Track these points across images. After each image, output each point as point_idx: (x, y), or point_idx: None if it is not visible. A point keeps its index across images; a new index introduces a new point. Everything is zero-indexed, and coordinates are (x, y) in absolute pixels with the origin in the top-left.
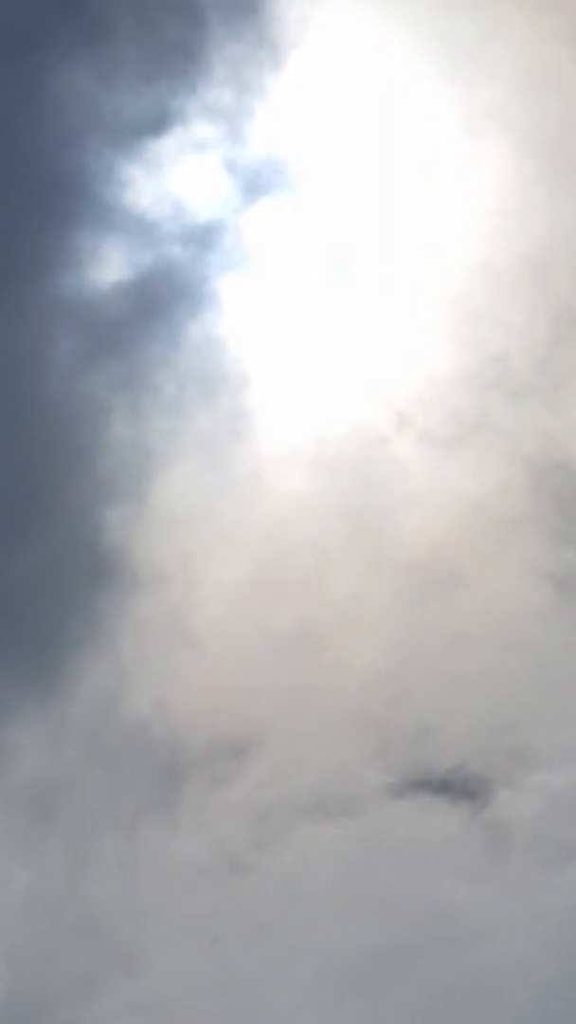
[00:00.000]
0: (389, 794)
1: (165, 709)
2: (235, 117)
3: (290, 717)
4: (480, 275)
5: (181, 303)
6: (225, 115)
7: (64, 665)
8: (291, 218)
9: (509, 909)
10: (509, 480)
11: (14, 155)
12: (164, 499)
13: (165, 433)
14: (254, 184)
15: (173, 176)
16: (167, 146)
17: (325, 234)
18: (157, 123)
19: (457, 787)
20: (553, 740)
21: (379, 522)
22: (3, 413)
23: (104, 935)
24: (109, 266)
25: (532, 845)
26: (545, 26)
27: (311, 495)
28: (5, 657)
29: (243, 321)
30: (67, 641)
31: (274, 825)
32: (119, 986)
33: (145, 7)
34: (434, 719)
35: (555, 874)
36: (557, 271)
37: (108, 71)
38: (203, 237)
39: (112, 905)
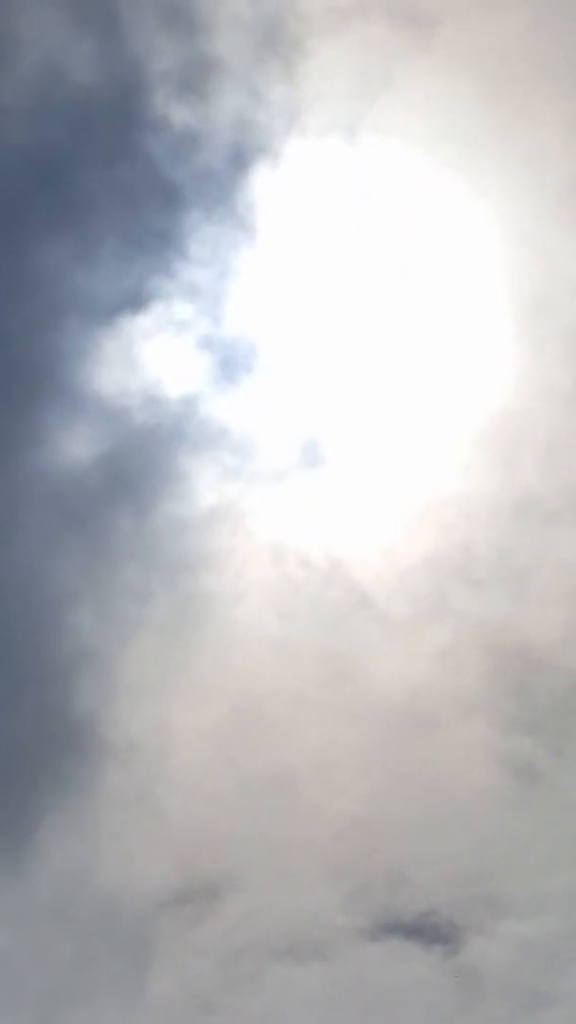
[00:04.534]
0: (361, 938)
1: (135, 874)
2: (211, 296)
3: (264, 861)
4: (445, 461)
5: (151, 483)
6: (201, 294)
7: (33, 837)
8: (264, 397)
9: None
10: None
11: None
12: (133, 663)
13: (135, 607)
14: (229, 362)
15: (146, 354)
16: (142, 325)
17: (296, 413)
18: (134, 302)
19: (429, 932)
20: (524, 888)
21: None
22: None
23: None
24: (79, 446)
25: (503, 991)
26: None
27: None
28: None
29: (212, 498)
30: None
31: (246, 967)
32: None
33: (124, 189)
34: (406, 865)
35: (526, 1021)
36: (522, 460)
37: (87, 251)
38: (176, 416)
39: None
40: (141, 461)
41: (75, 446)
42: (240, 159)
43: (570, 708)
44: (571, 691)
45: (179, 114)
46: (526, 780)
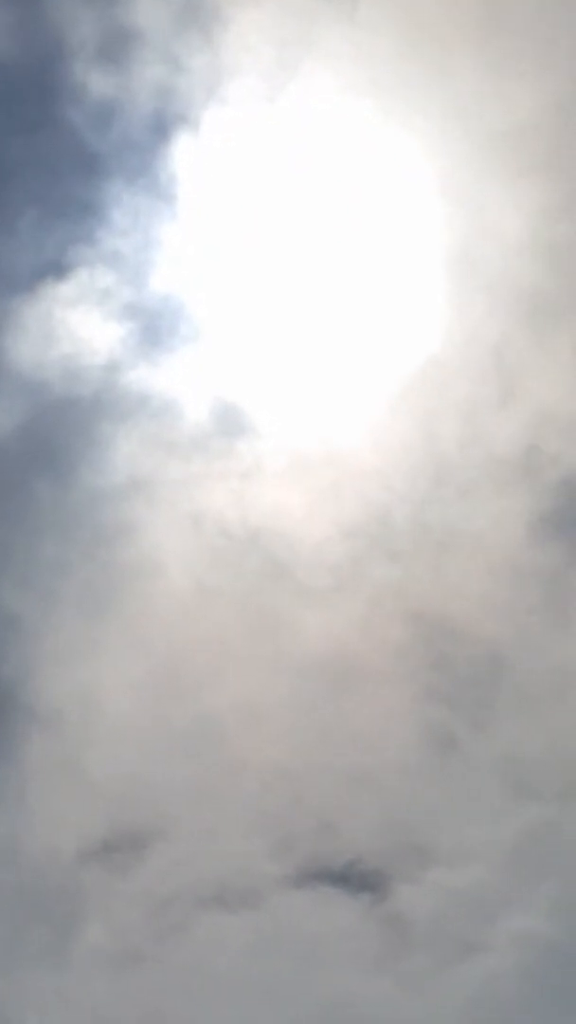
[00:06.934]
0: (288, 886)
1: (61, 836)
2: (133, 264)
3: (191, 811)
4: (364, 431)
5: (70, 453)
6: (124, 262)
7: None
8: (185, 365)
9: (406, 1003)
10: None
11: None
12: (55, 632)
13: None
14: (151, 330)
15: (67, 323)
16: (63, 293)
17: (217, 382)
18: (54, 271)
19: (356, 880)
20: (451, 838)
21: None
22: None
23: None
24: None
25: (430, 940)
26: None
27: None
28: None
29: (132, 468)
30: None
31: (174, 916)
32: None
33: (43, 158)
34: (333, 814)
35: (452, 970)
36: (440, 430)
37: (5, 220)
38: (96, 385)
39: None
40: (60, 432)
41: None
42: (161, 128)
43: (487, 680)
44: (488, 663)
45: (98, 83)
46: (445, 749)
